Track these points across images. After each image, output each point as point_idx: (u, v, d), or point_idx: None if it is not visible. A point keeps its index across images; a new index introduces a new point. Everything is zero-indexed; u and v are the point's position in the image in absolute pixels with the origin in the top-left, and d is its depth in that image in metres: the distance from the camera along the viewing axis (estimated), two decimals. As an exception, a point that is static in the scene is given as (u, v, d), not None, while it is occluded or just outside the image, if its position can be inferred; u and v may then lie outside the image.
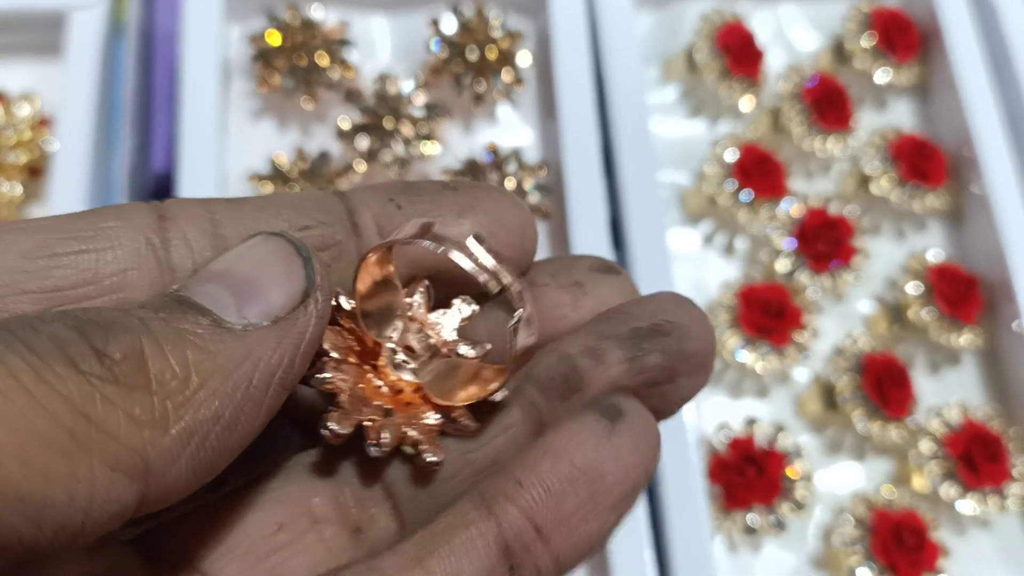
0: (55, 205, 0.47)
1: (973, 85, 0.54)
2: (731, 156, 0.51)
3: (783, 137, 0.54)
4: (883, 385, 0.47)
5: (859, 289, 0.52)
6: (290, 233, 0.20)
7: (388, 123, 0.48)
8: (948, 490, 0.46)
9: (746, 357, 0.48)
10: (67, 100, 0.49)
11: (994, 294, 0.51)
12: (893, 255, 0.53)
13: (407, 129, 0.49)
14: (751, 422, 0.47)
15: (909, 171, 0.52)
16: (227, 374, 0.17)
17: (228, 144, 0.51)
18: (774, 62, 0.57)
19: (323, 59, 0.50)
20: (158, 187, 0.56)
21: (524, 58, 0.52)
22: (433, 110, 0.50)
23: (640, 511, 0.43)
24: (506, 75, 0.51)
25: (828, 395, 0.48)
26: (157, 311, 0.18)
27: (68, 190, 0.48)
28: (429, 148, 0.49)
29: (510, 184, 0.48)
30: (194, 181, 0.47)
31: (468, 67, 0.50)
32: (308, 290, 0.19)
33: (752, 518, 0.45)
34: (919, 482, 0.47)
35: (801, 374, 0.51)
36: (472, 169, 0.49)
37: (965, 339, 0.49)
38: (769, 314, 0.48)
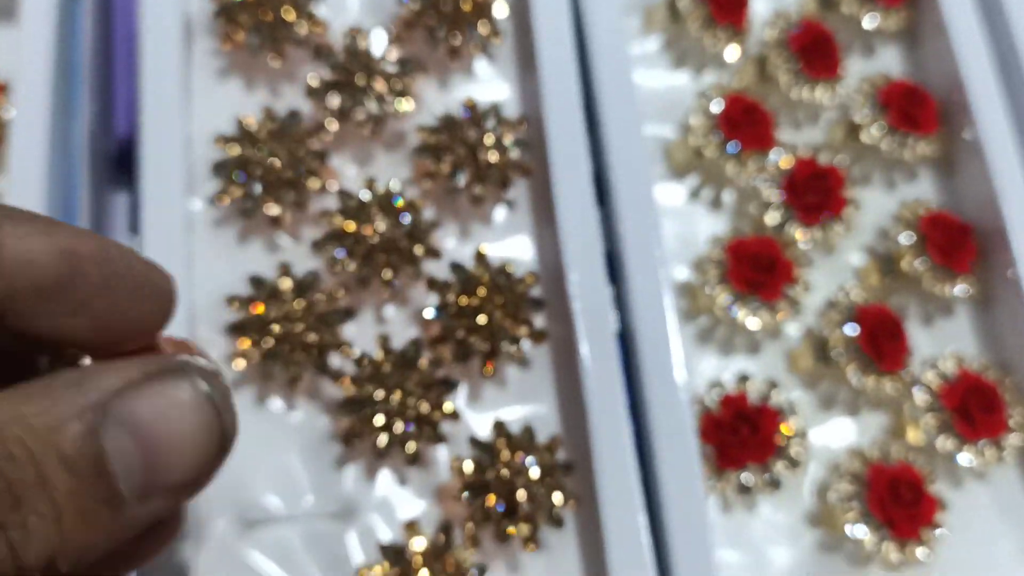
0: (15, 175, 0.45)
1: (963, 29, 0.52)
2: (717, 107, 0.50)
3: (770, 86, 0.52)
4: (877, 338, 0.46)
5: (850, 241, 0.51)
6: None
7: (360, 80, 0.47)
8: (945, 443, 0.45)
9: (737, 313, 0.46)
10: (22, 65, 0.47)
11: (988, 242, 0.50)
12: (884, 205, 0.52)
13: (380, 86, 0.47)
14: (743, 379, 0.46)
15: (899, 118, 0.50)
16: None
17: (192, 106, 0.49)
18: (759, 9, 0.55)
19: (289, 14, 0.47)
20: (121, 152, 0.54)
21: (500, 9, 0.50)
22: (406, 65, 0.48)
23: (631, 472, 0.42)
24: (482, 27, 0.49)
25: (821, 350, 0.47)
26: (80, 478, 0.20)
27: (27, 158, 0.46)
28: (404, 105, 0.47)
29: (489, 140, 0.46)
30: (157, 145, 0.45)
31: (442, 19, 0.48)
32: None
33: (746, 477, 0.44)
34: (915, 436, 0.46)
35: (793, 329, 0.49)
36: (449, 126, 0.47)
37: (959, 289, 0.48)
38: (759, 268, 0.46)
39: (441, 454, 0.44)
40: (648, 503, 0.43)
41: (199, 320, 0.45)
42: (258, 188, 0.45)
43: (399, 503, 0.44)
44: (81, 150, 0.51)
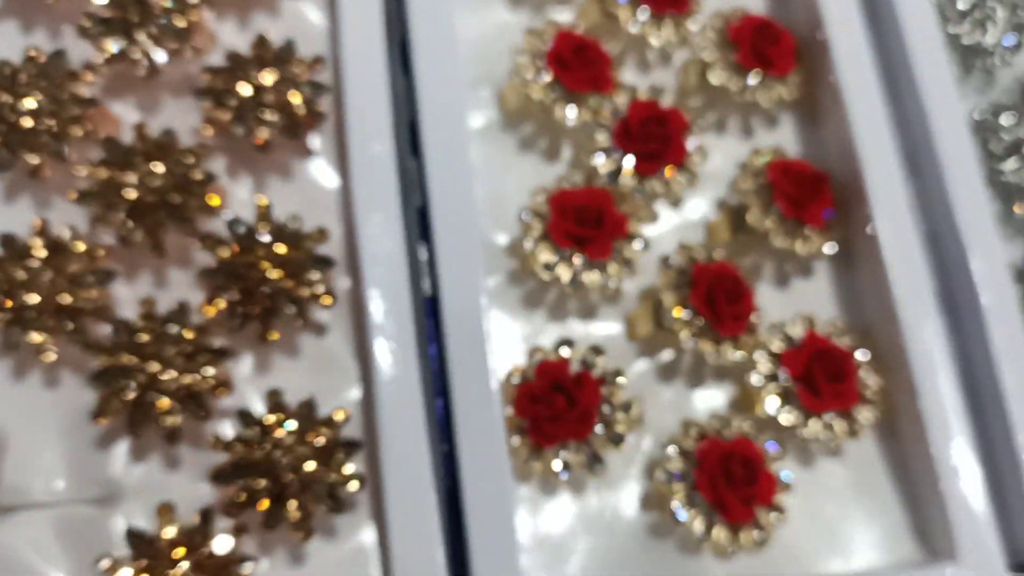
0: None
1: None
2: (547, 46, 0.44)
3: (614, 24, 0.47)
4: (715, 299, 0.41)
5: (698, 193, 0.46)
6: None
7: (134, 15, 0.41)
8: (788, 416, 0.41)
9: (559, 273, 0.41)
10: None
11: (848, 196, 0.45)
12: (738, 154, 0.47)
13: (156, 23, 0.42)
14: (563, 343, 0.41)
15: (749, 57, 0.45)
16: None
17: None
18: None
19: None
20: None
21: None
22: (184, 1, 0.42)
23: (423, 450, 0.37)
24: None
25: (658, 314, 0.42)
26: None
27: None
28: (190, 45, 0.42)
29: (268, 79, 0.41)
30: None
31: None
32: None
33: (565, 456, 0.39)
34: (760, 409, 0.42)
35: (632, 290, 0.44)
36: (237, 64, 0.41)
37: (812, 245, 0.44)
38: (587, 223, 0.41)
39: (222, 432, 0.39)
40: (453, 485, 0.39)
41: None
42: (15, 138, 0.40)
43: (169, 486, 0.39)
44: None
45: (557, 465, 0.39)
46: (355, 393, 0.41)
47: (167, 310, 0.39)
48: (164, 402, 0.37)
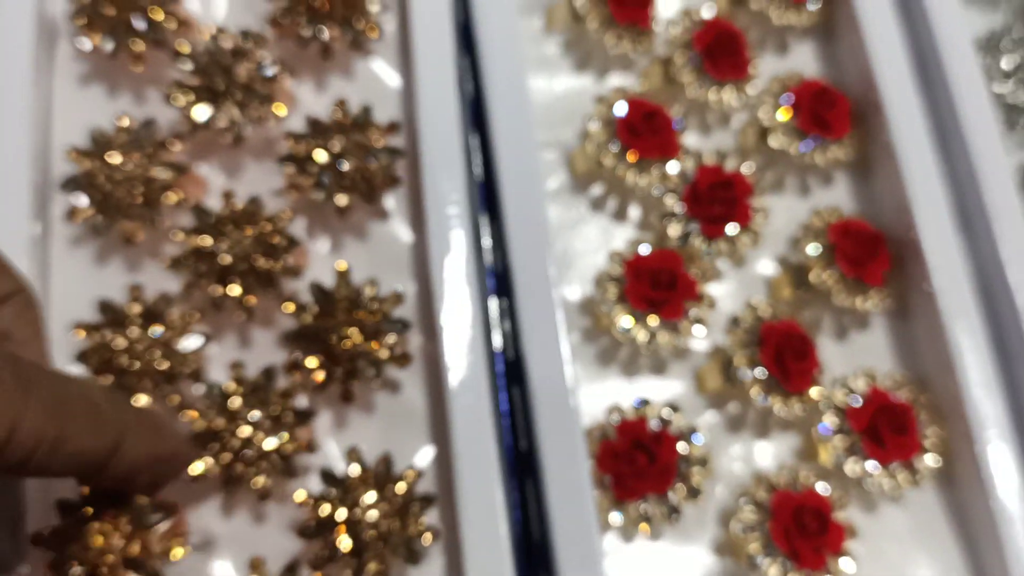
0: None
1: (878, 23, 0.50)
2: (619, 112, 0.47)
3: (676, 89, 0.49)
4: (783, 357, 0.43)
5: (761, 251, 0.49)
6: None
7: (221, 84, 0.43)
8: (854, 466, 0.43)
9: (636, 334, 0.44)
10: None
11: (903, 251, 0.47)
12: (797, 213, 0.49)
13: (243, 91, 0.44)
14: (643, 403, 0.43)
15: (809, 121, 0.48)
16: None
17: (53, 115, 0.46)
18: (667, 6, 0.52)
19: (156, 13, 0.44)
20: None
21: (374, 1, 0.47)
22: (271, 68, 0.44)
23: (498, 504, 0.39)
24: (358, 23, 0.46)
25: (728, 369, 0.45)
26: None
27: None
28: (272, 111, 0.44)
29: (347, 145, 0.43)
30: (7, 158, 0.42)
31: (313, 16, 0.45)
32: None
33: (646, 508, 0.42)
34: (825, 458, 0.44)
35: (701, 347, 0.47)
36: (317, 131, 0.44)
37: (871, 302, 0.46)
38: (660, 286, 0.44)
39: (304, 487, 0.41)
40: (542, 535, 0.41)
41: (53, 345, 0.42)
42: (110, 205, 0.42)
43: (256, 540, 0.41)
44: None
45: (646, 511, 0.41)
46: (428, 446, 0.43)
47: (255, 372, 0.41)
48: (257, 466, 0.39)
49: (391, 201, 0.46)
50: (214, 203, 0.44)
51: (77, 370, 0.41)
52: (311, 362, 0.41)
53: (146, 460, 0.35)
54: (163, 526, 0.36)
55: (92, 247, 0.44)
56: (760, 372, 0.43)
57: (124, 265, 0.44)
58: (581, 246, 0.48)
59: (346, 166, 0.43)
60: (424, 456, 0.43)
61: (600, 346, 0.46)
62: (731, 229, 0.46)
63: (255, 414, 0.40)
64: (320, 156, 0.43)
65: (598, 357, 0.46)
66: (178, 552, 0.37)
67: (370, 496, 0.39)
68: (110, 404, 0.34)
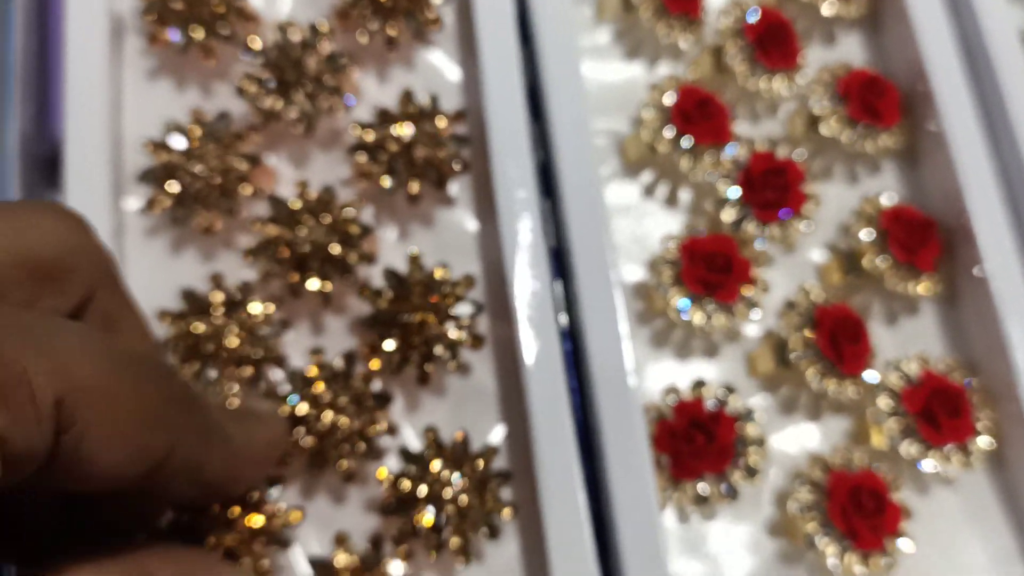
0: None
1: (926, 15, 0.50)
2: (670, 100, 0.48)
3: (726, 78, 0.50)
4: (838, 340, 0.44)
5: (811, 238, 0.49)
6: None
7: (291, 76, 0.44)
8: (908, 448, 0.44)
9: (692, 316, 0.44)
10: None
11: (952, 238, 0.48)
12: (846, 200, 0.50)
13: (312, 83, 0.45)
14: (698, 384, 0.44)
15: (859, 109, 0.48)
16: None
17: (123, 108, 0.46)
18: (715, -3, 0.53)
19: (220, 7, 0.45)
20: (56, 156, 0.52)
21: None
22: (339, 60, 0.45)
23: (576, 480, 0.40)
24: (420, 15, 0.47)
25: (780, 352, 0.45)
26: None
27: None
28: (338, 102, 0.45)
29: (424, 136, 0.44)
30: (83, 150, 0.43)
31: (378, 9, 0.46)
32: None
33: (703, 487, 0.42)
34: (878, 441, 0.45)
35: (752, 331, 0.47)
36: (385, 120, 0.45)
37: (923, 287, 0.46)
38: (715, 269, 0.44)
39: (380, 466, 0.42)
40: (600, 514, 0.42)
41: None
42: (188, 196, 0.43)
43: (335, 518, 0.42)
44: (13, 153, 0.49)
45: (703, 490, 0.42)
46: (499, 426, 0.44)
47: (331, 357, 0.42)
48: (341, 449, 0.40)
49: (455, 188, 0.47)
50: (284, 194, 0.45)
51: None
52: (388, 345, 0.41)
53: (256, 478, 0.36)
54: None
55: (166, 239, 0.45)
56: (813, 354, 0.44)
57: (198, 256, 0.45)
58: (632, 232, 0.48)
59: (419, 153, 0.44)
60: (496, 435, 0.43)
61: (652, 329, 0.47)
62: (784, 216, 0.46)
63: (339, 399, 0.40)
64: (392, 144, 0.44)
65: (650, 340, 0.47)
66: (297, 515, 0.39)
67: (449, 473, 0.40)
68: (236, 427, 0.34)
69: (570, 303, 0.44)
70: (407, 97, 0.45)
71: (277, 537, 0.39)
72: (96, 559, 0.28)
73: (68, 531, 0.32)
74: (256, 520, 0.38)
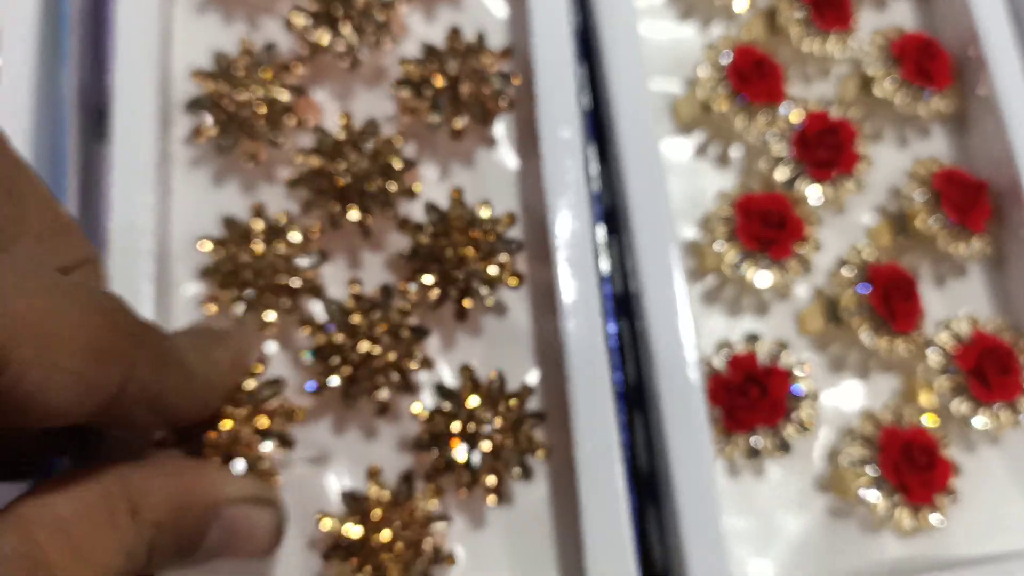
0: (-3, 122, 0.44)
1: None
2: (726, 59, 0.48)
3: (779, 39, 0.50)
4: (890, 298, 0.44)
5: (860, 199, 0.50)
6: None
7: (337, 10, 0.45)
8: (959, 406, 0.44)
9: (746, 271, 0.45)
10: (7, 10, 0.45)
11: (1002, 201, 0.48)
12: (895, 162, 0.50)
13: (359, 17, 0.45)
14: (752, 339, 0.45)
15: (913, 72, 0.49)
16: None
17: (172, 38, 0.48)
18: (767, -40, 0.53)
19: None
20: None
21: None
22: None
23: (611, 426, 0.40)
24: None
25: (831, 310, 0.46)
26: None
27: (12, 106, 0.44)
28: (386, 37, 0.46)
29: (462, 69, 0.44)
30: (131, 81, 0.44)
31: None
32: None
33: (755, 440, 0.43)
34: (927, 399, 0.45)
35: (802, 289, 0.48)
36: (432, 56, 0.45)
37: (973, 248, 0.47)
38: (770, 225, 0.45)
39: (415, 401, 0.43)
40: (655, 468, 0.42)
41: (174, 260, 0.44)
42: (234, 125, 0.44)
43: (369, 452, 0.43)
44: (70, 100, 0.50)
45: (756, 442, 0.43)
46: (533, 368, 0.44)
47: (368, 290, 0.43)
48: (378, 380, 0.41)
49: (498, 128, 0.47)
50: (328, 127, 0.45)
51: (200, 287, 0.43)
52: (427, 279, 0.42)
53: (220, 399, 0.37)
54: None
55: (211, 168, 0.46)
56: (867, 312, 0.44)
57: (241, 186, 0.46)
58: (683, 191, 0.49)
59: (465, 88, 0.44)
60: (532, 377, 0.44)
61: (703, 287, 0.47)
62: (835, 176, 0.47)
63: (376, 329, 0.41)
64: (438, 80, 0.44)
65: (701, 297, 0.47)
66: (301, 413, 0.39)
67: (484, 410, 0.40)
68: (196, 353, 0.34)
69: (622, 257, 0.45)
70: (455, 34, 0.46)
71: (277, 434, 0.38)
72: (77, 478, 0.28)
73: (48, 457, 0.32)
74: (259, 421, 0.38)
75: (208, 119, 0.44)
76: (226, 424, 0.37)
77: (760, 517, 0.44)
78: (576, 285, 0.42)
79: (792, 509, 0.44)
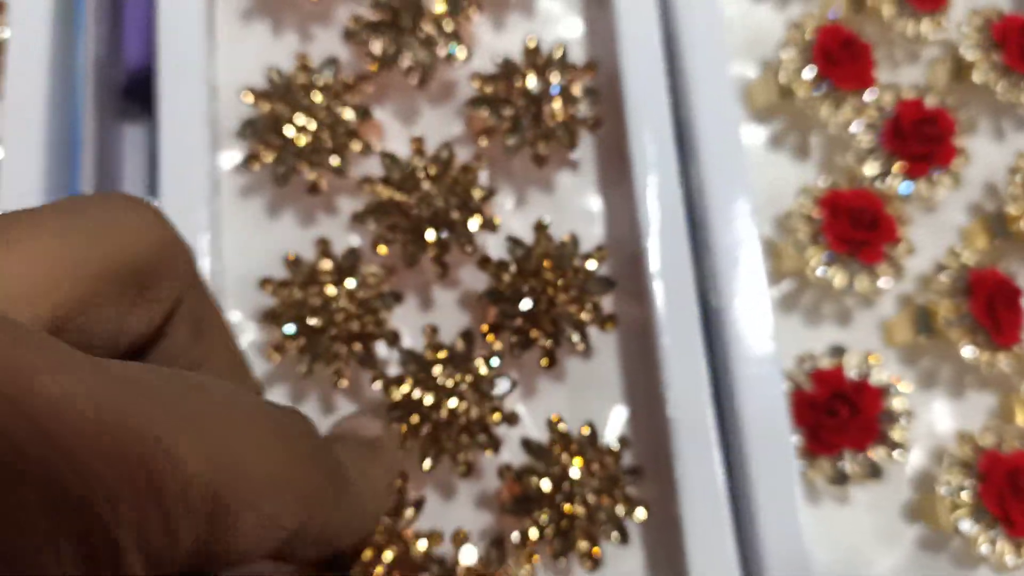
0: (10, 99, 0.39)
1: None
2: (810, 39, 0.43)
3: (865, 18, 0.46)
4: (995, 307, 0.40)
5: (952, 196, 0.45)
6: None
7: (405, 20, 0.40)
8: (1067, 429, 0.40)
9: (832, 277, 0.40)
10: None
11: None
12: (991, 156, 0.46)
13: (429, 27, 0.40)
14: (838, 351, 0.40)
15: (1018, 58, 0.44)
16: None
17: (217, 50, 0.42)
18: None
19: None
20: (131, 85, 0.48)
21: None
22: (458, 3, 0.41)
23: (717, 476, 0.36)
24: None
25: (924, 320, 0.41)
26: None
27: (25, 81, 0.40)
28: (457, 50, 0.40)
29: (554, 89, 0.40)
30: (177, 96, 0.39)
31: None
32: None
33: (843, 464, 0.39)
34: (1030, 419, 0.41)
35: (887, 296, 0.43)
36: (508, 72, 0.40)
37: (1085, 253, 0.42)
38: (861, 226, 0.40)
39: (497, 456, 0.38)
40: (734, 504, 0.38)
41: (227, 300, 0.39)
42: (291, 152, 0.39)
43: (449, 510, 0.38)
44: (85, 75, 0.45)
45: (844, 467, 0.38)
46: (620, 414, 0.40)
47: (443, 335, 0.38)
48: (460, 441, 0.36)
49: (578, 149, 0.41)
50: (392, 150, 0.40)
51: (258, 330, 0.39)
52: (512, 324, 0.37)
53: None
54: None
55: (263, 198, 0.41)
56: (968, 323, 0.40)
57: (298, 219, 0.41)
58: (756, 186, 0.44)
59: (551, 107, 0.39)
60: (618, 425, 0.40)
61: (779, 291, 0.43)
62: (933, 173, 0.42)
63: (459, 384, 0.36)
64: (519, 99, 0.40)
65: (778, 304, 0.43)
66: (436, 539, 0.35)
67: (577, 468, 0.36)
68: (358, 475, 0.29)
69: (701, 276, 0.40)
70: (534, 48, 0.41)
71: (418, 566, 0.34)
72: None
73: None
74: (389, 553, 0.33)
75: (261, 145, 0.39)
76: (387, 555, 0.33)
77: (847, 550, 0.40)
78: (677, 324, 0.38)
79: (881, 540, 0.40)
